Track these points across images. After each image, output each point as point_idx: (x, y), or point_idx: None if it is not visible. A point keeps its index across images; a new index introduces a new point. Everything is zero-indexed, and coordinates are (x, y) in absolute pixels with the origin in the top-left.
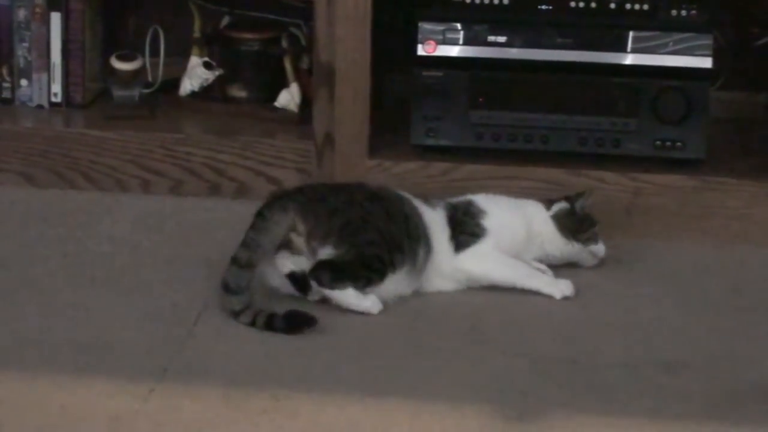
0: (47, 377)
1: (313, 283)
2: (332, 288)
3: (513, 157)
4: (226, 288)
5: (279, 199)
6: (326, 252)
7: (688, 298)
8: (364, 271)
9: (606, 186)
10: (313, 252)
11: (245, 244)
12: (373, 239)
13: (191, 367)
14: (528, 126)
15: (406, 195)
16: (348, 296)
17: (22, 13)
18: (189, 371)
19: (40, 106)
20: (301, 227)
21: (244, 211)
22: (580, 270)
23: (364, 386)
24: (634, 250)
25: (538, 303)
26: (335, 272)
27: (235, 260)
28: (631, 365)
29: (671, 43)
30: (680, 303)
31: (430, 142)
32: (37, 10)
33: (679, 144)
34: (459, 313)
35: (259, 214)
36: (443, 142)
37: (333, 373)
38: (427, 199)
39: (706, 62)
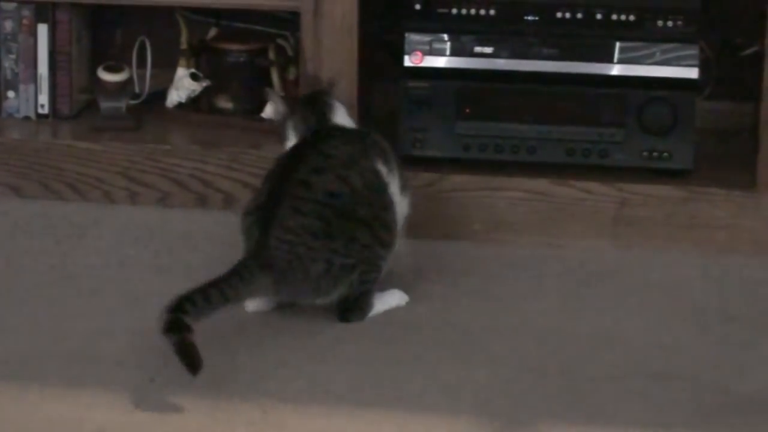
0: (34, 389)
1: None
2: (365, 317)
3: (500, 168)
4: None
5: (257, 264)
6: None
7: (676, 309)
8: (369, 286)
9: (593, 196)
10: None
11: (222, 294)
12: (360, 257)
13: (178, 379)
14: (514, 137)
15: (374, 156)
16: (378, 309)
17: (9, 25)
18: (176, 383)
19: (27, 118)
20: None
21: (231, 222)
22: (566, 280)
23: (351, 397)
24: (621, 260)
25: (527, 314)
26: (355, 310)
27: (206, 298)
28: (618, 376)
29: (658, 54)
30: (668, 314)
31: (417, 152)
32: (24, 21)
33: (666, 154)
34: (447, 323)
35: (238, 274)
36: (430, 153)
37: (320, 385)
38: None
39: (693, 72)
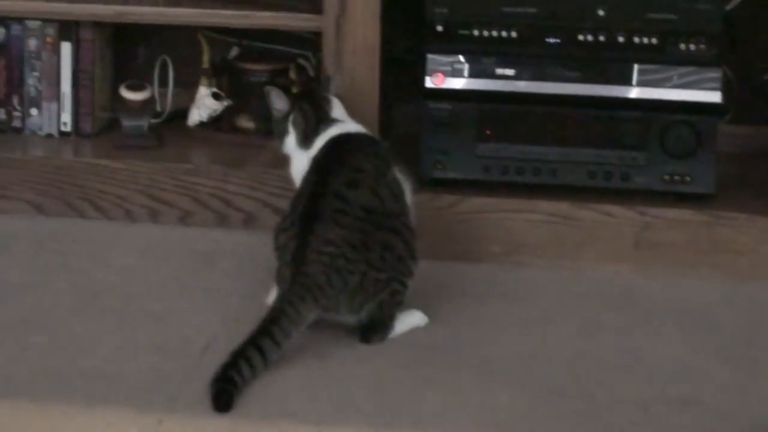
0: (57, 407)
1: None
2: (386, 338)
3: (521, 190)
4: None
5: (302, 296)
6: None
7: (698, 334)
8: (395, 307)
9: (614, 220)
10: None
11: (275, 341)
12: (393, 271)
13: (200, 398)
14: (536, 159)
15: (393, 166)
16: (398, 330)
17: (33, 43)
18: (197, 402)
19: (49, 136)
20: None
21: (252, 241)
22: (587, 304)
23: (372, 419)
24: (642, 284)
25: (547, 337)
26: (378, 331)
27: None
28: (640, 401)
29: (680, 77)
30: (689, 339)
31: (438, 174)
32: (48, 39)
33: (687, 178)
34: (467, 345)
35: (284, 313)
36: (451, 175)
37: (342, 406)
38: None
39: (715, 96)
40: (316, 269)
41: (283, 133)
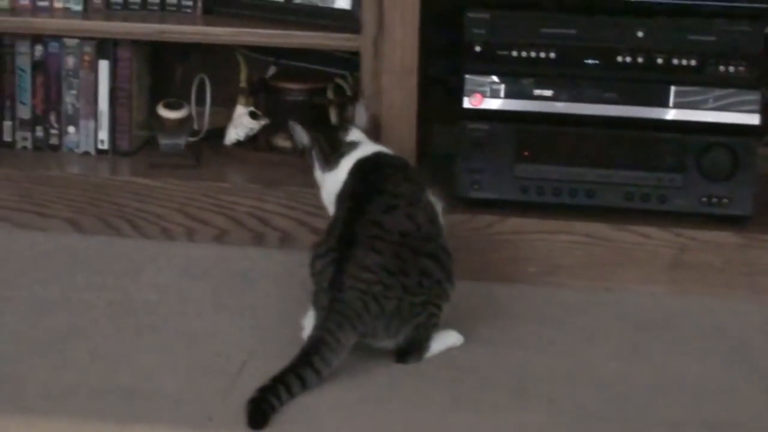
0: (93, 425)
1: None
2: (422, 359)
3: (558, 211)
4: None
5: (340, 324)
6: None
7: (734, 356)
8: (432, 329)
9: (651, 241)
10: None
11: (315, 370)
12: (430, 295)
13: (235, 417)
14: (573, 180)
15: (426, 189)
16: (434, 350)
17: (71, 61)
18: (234, 421)
19: (86, 153)
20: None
21: (288, 260)
22: (623, 325)
23: None
24: (678, 306)
25: (583, 358)
26: (414, 352)
27: (302, 380)
28: (675, 423)
29: (719, 99)
30: (726, 361)
31: (475, 194)
32: (86, 57)
33: (725, 200)
34: (504, 367)
35: (324, 342)
36: (488, 195)
37: (376, 426)
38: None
39: (754, 119)
40: (353, 296)
41: (312, 165)
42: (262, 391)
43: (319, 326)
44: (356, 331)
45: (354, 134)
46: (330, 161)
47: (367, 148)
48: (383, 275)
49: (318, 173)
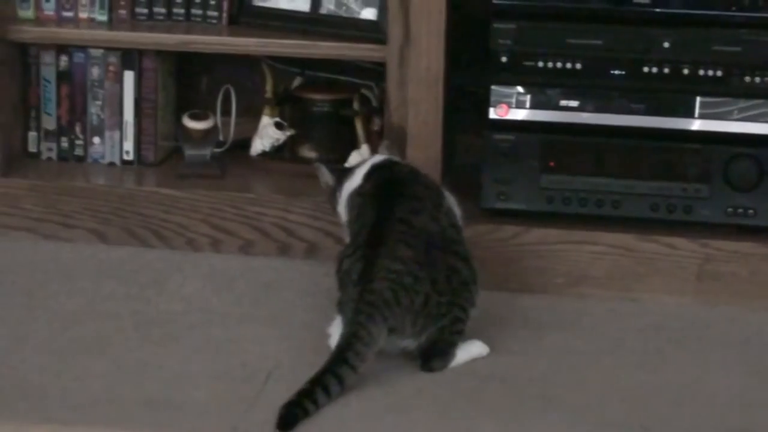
0: None
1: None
2: (447, 367)
3: (583, 222)
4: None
5: (370, 315)
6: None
7: (759, 367)
8: (457, 335)
9: (677, 252)
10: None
11: (351, 366)
12: (456, 295)
13: (261, 427)
14: (599, 191)
15: (446, 196)
16: (459, 359)
17: (96, 71)
18: (259, 430)
19: (112, 164)
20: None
21: (314, 271)
22: (648, 336)
23: None
24: (704, 317)
25: (608, 368)
26: (439, 358)
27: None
28: None
29: (744, 110)
30: (750, 371)
31: (501, 205)
32: (111, 68)
33: (751, 211)
34: (529, 376)
35: (356, 337)
36: (513, 206)
37: None
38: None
39: None
40: (384, 286)
41: (334, 206)
42: (299, 395)
43: (350, 321)
44: (386, 323)
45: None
46: (344, 178)
47: (380, 156)
48: (414, 267)
49: (340, 209)
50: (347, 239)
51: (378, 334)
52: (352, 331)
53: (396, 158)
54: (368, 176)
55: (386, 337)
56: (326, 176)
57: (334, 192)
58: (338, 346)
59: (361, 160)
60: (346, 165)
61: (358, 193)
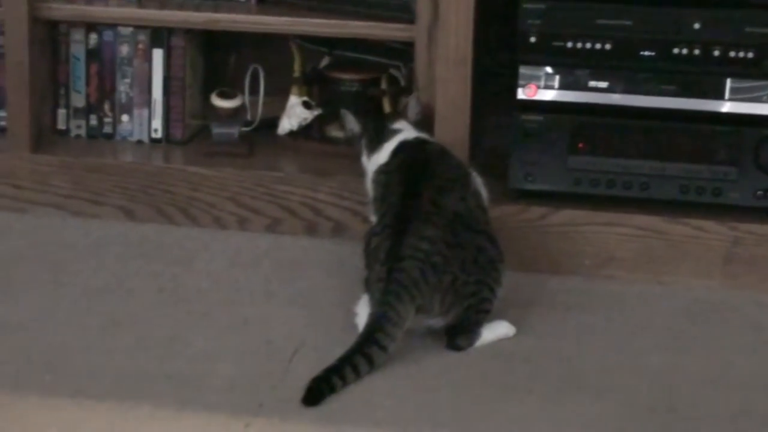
0: (144, 410)
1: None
2: (473, 345)
3: (611, 204)
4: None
5: (398, 294)
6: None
7: None
8: (483, 314)
9: (705, 234)
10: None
11: (381, 347)
12: (483, 274)
13: (287, 404)
14: (627, 173)
15: (473, 176)
16: (485, 339)
17: (125, 49)
18: (284, 408)
19: (140, 142)
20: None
21: (340, 250)
22: (676, 318)
23: (457, 427)
24: (732, 299)
25: (635, 350)
26: (465, 336)
27: (369, 359)
28: (726, 416)
29: None
30: None
31: (528, 186)
32: (140, 46)
33: None
34: (555, 357)
35: (385, 317)
36: (541, 187)
37: (427, 414)
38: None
39: None
40: (412, 265)
41: (360, 152)
42: (327, 372)
43: (379, 301)
44: (414, 302)
45: (400, 123)
46: (374, 146)
47: (409, 133)
48: (441, 247)
49: (364, 159)
50: (372, 217)
51: (406, 314)
52: (382, 311)
53: (425, 136)
54: (395, 153)
55: (414, 316)
56: (352, 123)
57: (359, 139)
58: (367, 326)
59: (398, 127)
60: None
61: (384, 170)
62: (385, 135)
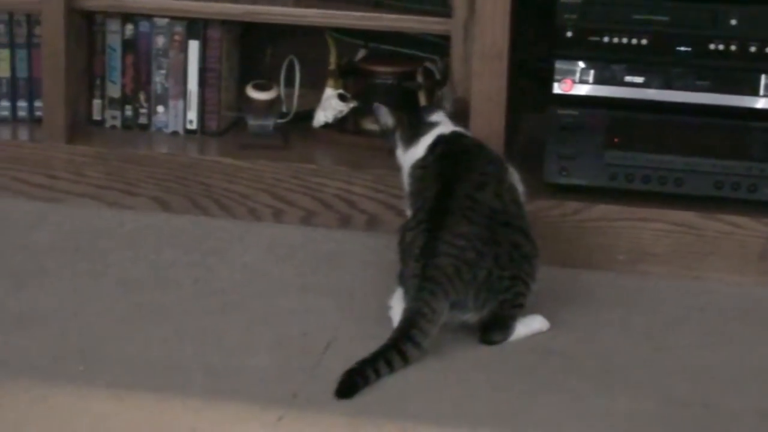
0: (178, 400)
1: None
2: (507, 339)
3: (646, 199)
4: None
5: (432, 291)
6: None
7: None
8: (517, 309)
9: (740, 231)
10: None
11: (415, 344)
12: (519, 269)
13: (320, 396)
14: (663, 168)
15: (510, 171)
16: (520, 334)
17: (160, 41)
18: (318, 399)
19: (175, 133)
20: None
21: (375, 243)
22: (710, 314)
23: (491, 421)
24: (766, 296)
25: (669, 346)
26: (498, 331)
27: (403, 355)
28: (761, 411)
29: None
30: None
31: (564, 180)
32: (176, 37)
33: None
34: (588, 352)
35: (420, 313)
36: (576, 181)
37: (461, 408)
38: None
39: None
40: (446, 262)
41: (394, 147)
42: (361, 363)
43: (413, 297)
44: (448, 299)
45: (437, 116)
46: (410, 140)
47: (446, 127)
48: (477, 243)
49: (399, 152)
50: (407, 211)
51: (441, 311)
52: (416, 308)
53: (462, 130)
54: (432, 148)
55: (449, 311)
56: (386, 117)
57: (392, 133)
58: (402, 322)
59: (434, 119)
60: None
61: (420, 165)
62: (421, 129)
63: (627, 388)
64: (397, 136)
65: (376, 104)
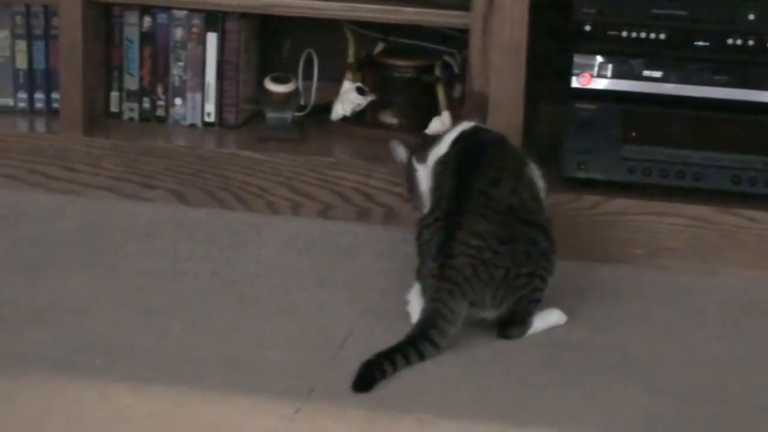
0: (195, 393)
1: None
2: (524, 334)
3: (664, 193)
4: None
5: (450, 291)
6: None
7: None
8: (534, 303)
9: (758, 225)
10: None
11: (433, 343)
12: (537, 265)
13: (337, 389)
14: (680, 162)
15: (529, 165)
16: (537, 328)
17: (179, 33)
18: (335, 393)
19: (193, 126)
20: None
21: (392, 236)
22: (727, 309)
23: (508, 415)
24: None
25: (686, 340)
26: (516, 326)
27: (420, 354)
28: None
29: None
30: None
31: (581, 174)
32: (194, 30)
33: None
34: (606, 346)
35: (438, 313)
36: (594, 176)
37: (478, 401)
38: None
39: None
40: (464, 262)
41: (412, 186)
42: (378, 356)
43: (432, 298)
44: (466, 299)
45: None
46: (425, 153)
47: (468, 123)
48: (493, 242)
49: (417, 167)
50: (423, 208)
51: (459, 310)
52: (435, 308)
53: (484, 125)
54: (454, 144)
55: (467, 310)
56: (400, 152)
57: (409, 168)
58: (420, 322)
59: (441, 128)
60: (427, 132)
61: (442, 161)
62: (432, 142)
63: (644, 382)
64: (413, 159)
65: (391, 142)
